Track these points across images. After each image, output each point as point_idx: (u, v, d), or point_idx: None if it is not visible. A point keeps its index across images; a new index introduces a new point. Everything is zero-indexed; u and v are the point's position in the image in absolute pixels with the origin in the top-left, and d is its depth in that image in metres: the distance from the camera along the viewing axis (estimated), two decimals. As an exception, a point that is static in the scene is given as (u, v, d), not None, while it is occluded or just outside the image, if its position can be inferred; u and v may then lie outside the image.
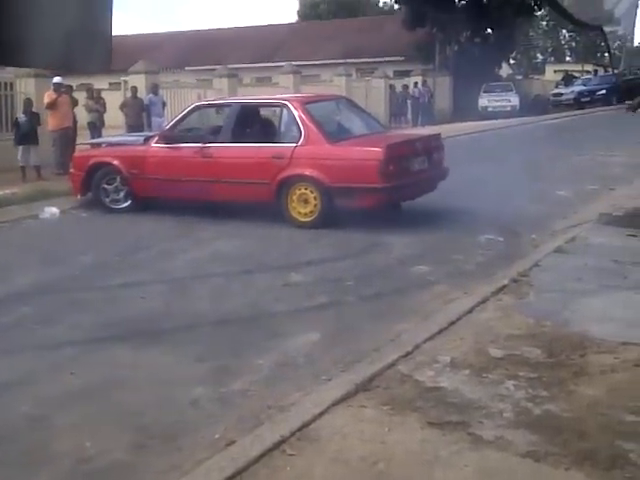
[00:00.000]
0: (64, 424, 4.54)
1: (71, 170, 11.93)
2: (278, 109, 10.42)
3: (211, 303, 6.86)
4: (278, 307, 6.68)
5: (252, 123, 11.05)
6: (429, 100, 33.87)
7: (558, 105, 42.88)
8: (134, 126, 20.17)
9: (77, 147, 13.17)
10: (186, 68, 41.23)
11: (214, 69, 26.58)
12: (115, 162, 11.12)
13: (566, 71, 53.31)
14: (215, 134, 10.69)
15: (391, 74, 38.53)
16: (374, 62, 42.02)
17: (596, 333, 5.46)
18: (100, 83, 25.36)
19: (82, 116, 20.97)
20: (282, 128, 10.20)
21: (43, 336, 6.11)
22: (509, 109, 37.97)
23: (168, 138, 10.86)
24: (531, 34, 75.42)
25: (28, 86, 17.74)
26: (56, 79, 16.55)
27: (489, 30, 44.20)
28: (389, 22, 47.00)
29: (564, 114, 34.51)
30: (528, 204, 10.86)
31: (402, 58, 42.32)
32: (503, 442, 3.94)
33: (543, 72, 67.42)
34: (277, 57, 41.14)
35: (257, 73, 39.31)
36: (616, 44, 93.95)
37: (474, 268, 7.82)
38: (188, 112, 11.24)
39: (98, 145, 12.51)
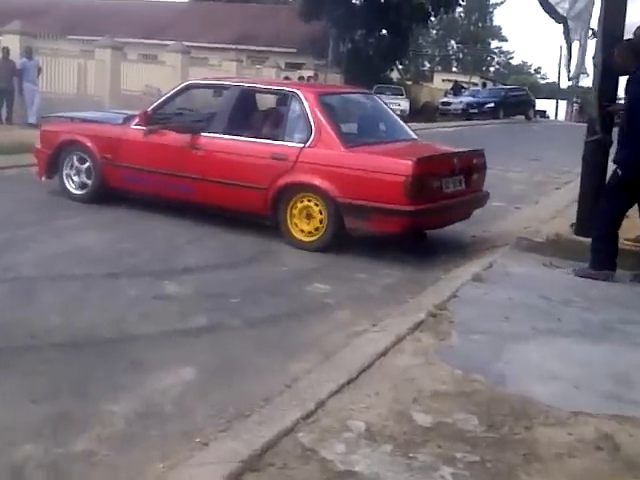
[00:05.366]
0: None
1: (37, 146, 10.01)
2: (286, 98, 8.57)
3: (61, 315, 5.46)
4: (145, 327, 5.37)
5: (253, 112, 9.30)
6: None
7: (446, 114, 42.74)
8: (3, 90, 18.80)
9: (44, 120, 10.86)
10: (68, 37, 38.95)
11: (97, 40, 24.71)
12: (88, 143, 9.30)
13: (455, 81, 53.25)
14: (208, 121, 8.93)
15: (282, 65, 37.49)
16: (266, 51, 40.78)
17: (540, 396, 4.40)
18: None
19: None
20: (289, 123, 8.37)
21: None
22: (399, 113, 36.66)
23: (151, 121, 9.02)
24: (420, 41, 75.89)
25: None
26: None
27: (384, 31, 43.75)
28: (284, 11, 46.29)
29: (454, 124, 34.04)
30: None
31: (294, 50, 41.53)
32: None
33: (430, 80, 67.57)
34: (166, 35, 39.38)
35: (144, 50, 37.41)
36: (498, 60, 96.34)
37: (380, 291, 6.72)
38: (178, 91, 9.38)
39: (70, 120, 10.31)
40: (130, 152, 9.07)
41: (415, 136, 9.30)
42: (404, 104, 39.15)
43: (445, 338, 5.27)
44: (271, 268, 7.23)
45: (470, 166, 8.47)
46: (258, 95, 9.56)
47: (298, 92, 8.39)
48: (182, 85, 9.53)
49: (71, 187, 9.56)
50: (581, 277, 7.09)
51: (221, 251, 7.70)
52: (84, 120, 10.01)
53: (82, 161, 9.42)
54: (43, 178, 9.82)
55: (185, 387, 4.44)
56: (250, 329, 5.52)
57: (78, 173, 9.49)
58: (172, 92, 9.41)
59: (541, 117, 47.50)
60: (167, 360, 4.79)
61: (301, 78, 32.49)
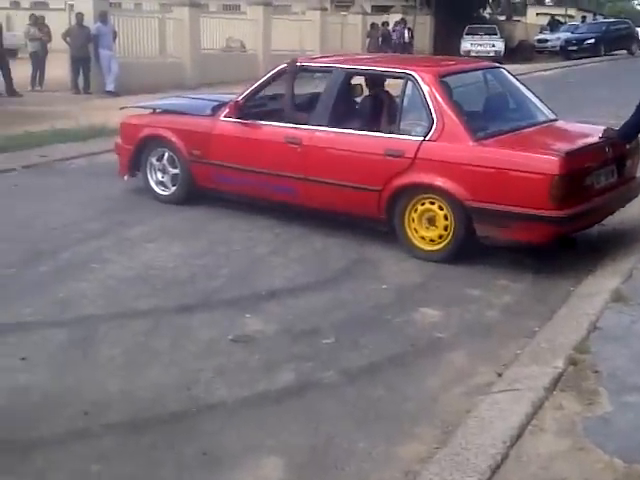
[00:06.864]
0: None
1: (117, 141, 9.06)
2: (400, 82, 7.21)
3: (121, 377, 4.56)
4: (220, 391, 4.41)
5: (361, 100, 8.14)
6: (409, 42, 31.18)
7: (542, 52, 40.84)
8: (79, 58, 18.28)
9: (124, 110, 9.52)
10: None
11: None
12: (173, 138, 8.27)
13: (552, 15, 50.76)
14: (308, 111, 7.67)
15: (369, 9, 35.98)
16: (351, -5, 39.22)
17: None
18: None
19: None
20: (404, 112, 7.14)
21: None
22: (493, 54, 35.39)
23: (243, 111, 7.91)
24: (511, -28, 72.63)
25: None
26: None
27: (475, -36, 41.86)
28: (369, -48, 44.19)
29: (553, 65, 32.20)
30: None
31: (381, -8, 39.81)
32: None
33: (524, 14, 64.67)
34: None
35: (224, 1, 36.46)
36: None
37: (499, 316, 5.64)
38: (274, 75, 8.09)
39: (151, 110, 9.18)
40: (221, 148, 7.98)
41: (554, 115, 7.84)
42: (499, 45, 37.43)
43: (593, 401, 4.16)
44: (368, 286, 6.18)
45: (623, 151, 7.05)
46: (367, 78, 8.18)
47: (414, 74, 7.06)
48: (277, 69, 8.15)
49: (156, 187, 8.59)
50: None
51: (309, 263, 6.72)
52: (168, 111, 8.92)
53: (168, 158, 8.44)
54: (126, 177, 8.86)
55: (267, 496, 3.50)
56: (347, 386, 4.53)
57: (164, 171, 8.52)
58: (266, 77, 8.18)
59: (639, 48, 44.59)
60: (246, 445, 3.86)
61: (385, 24, 30.83)
